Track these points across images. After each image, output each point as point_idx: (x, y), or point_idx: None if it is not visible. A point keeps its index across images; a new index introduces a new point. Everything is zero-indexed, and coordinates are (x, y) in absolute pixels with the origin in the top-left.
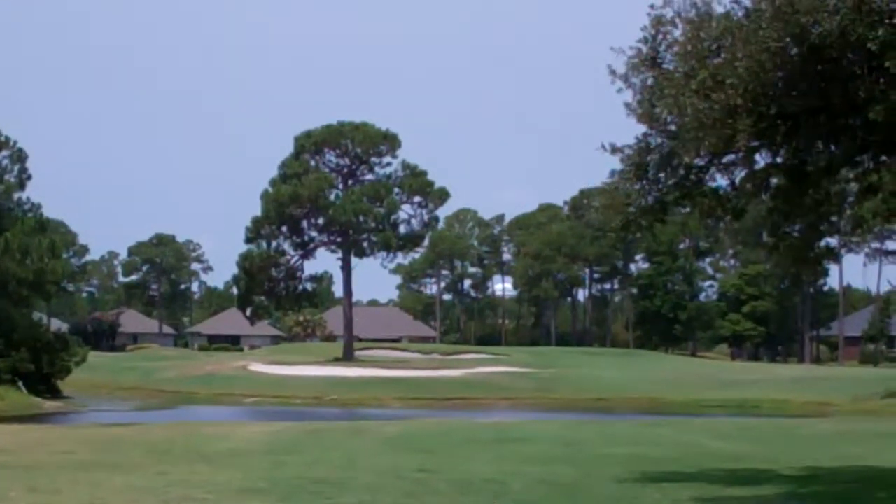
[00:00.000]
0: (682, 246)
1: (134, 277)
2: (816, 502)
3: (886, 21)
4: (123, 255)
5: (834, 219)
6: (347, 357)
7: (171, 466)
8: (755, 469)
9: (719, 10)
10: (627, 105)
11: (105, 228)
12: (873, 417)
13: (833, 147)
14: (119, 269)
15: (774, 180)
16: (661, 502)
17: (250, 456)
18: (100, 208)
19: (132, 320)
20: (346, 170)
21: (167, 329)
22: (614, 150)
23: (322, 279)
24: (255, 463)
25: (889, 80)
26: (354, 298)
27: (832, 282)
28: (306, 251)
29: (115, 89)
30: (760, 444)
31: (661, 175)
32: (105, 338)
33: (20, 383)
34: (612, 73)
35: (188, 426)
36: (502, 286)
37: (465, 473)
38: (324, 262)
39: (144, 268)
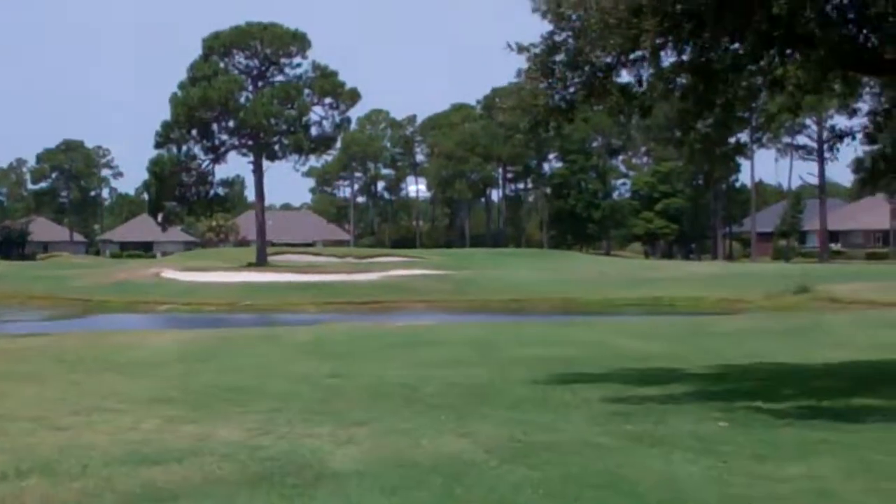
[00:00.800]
0: (594, 144)
1: (43, 185)
2: (725, 400)
3: None
4: (32, 162)
5: (745, 114)
6: (261, 262)
7: (83, 376)
8: (666, 368)
9: None
10: (533, 1)
11: (12, 135)
12: (786, 313)
13: (738, 44)
14: (28, 177)
15: (682, 80)
16: (571, 402)
17: (163, 365)
18: (6, 115)
19: (42, 228)
20: (255, 72)
21: (78, 237)
22: (521, 49)
23: (234, 183)
24: (167, 372)
25: None
26: (267, 203)
27: (744, 178)
28: (217, 155)
29: None
30: (673, 343)
31: (568, 74)
32: (15, 246)
33: None
34: None
35: (100, 335)
36: (416, 188)
37: (378, 378)
38: (235, 166)
39: (53, 175)
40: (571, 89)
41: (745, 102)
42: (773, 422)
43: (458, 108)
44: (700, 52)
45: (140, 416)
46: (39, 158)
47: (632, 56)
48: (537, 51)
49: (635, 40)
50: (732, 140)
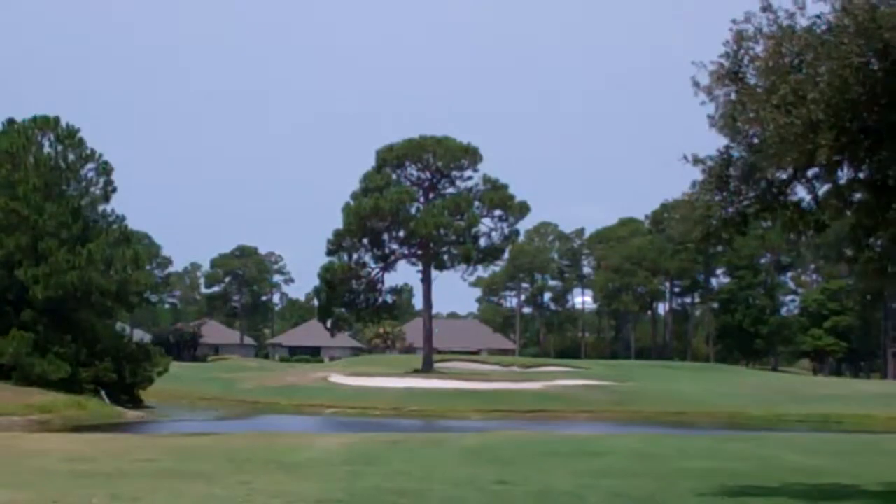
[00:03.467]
0: (763, 260)
1: (216, 289)
2: None
3: None
4: (206, 266)
5: None
6: (427, 369)
7: (251, 475)
8: (838, 484)
9: (802, 23)
10: (710, 118)
11: (188, 241)
12: None
13: None
14: (202, 281)
15: (857, 195)
16: None
17: (329, 466)
18: (183, 221)
19: (214, 331)
20: (427, 183)
21: (248, 340)
22: (696, 161)
23: (402, 291)
24: (333, 473)
25: None
26: (434, 310)
27: None
28: (387, 263)
29: (198, 103)
30: (843, 459)
31: (743, 187)
32: (187, 348)
33: (103, 392)
34: (696, 85)
35: (268, 436)
36: (582, 299)
37: (543, 486)
38: (404, 274)
39: (227, 279)
40: (745, 202)
41: None
42: None
43: (626, 223)
44: (877, 169)
45: None
46: (214, 263)
47: (807, 172)
48: (712, 163)
49: (811, 155)
50: None
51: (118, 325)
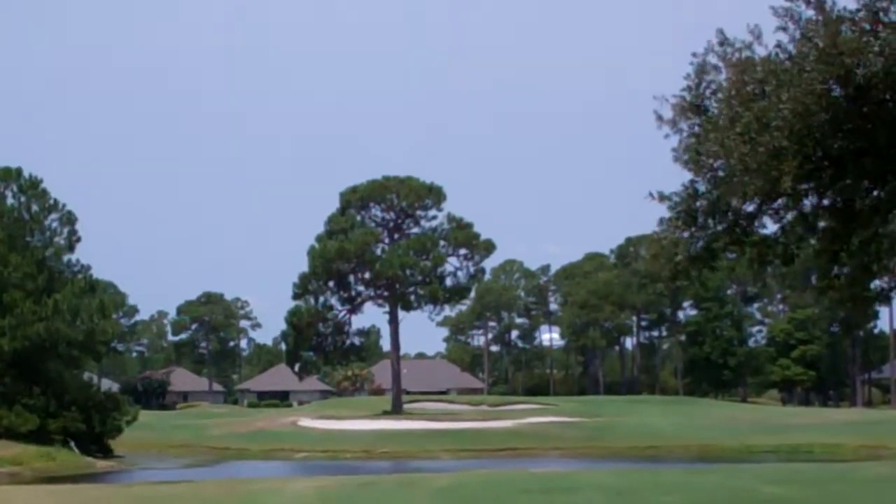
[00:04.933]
0: (729, 292)
1: (183, 336)
2: None
3: None
4: (172, 314)
5: (887, 262)
6: (396, 410)
7: None
8: None
9: (762, 52)
10: (674, 150)
11: (154, 289)
12: None
13: (880, 188)
14: (168, 328)
15: (822, 223)
16: None
17: None
18: (149, 269)
19: (182, 378)
20: (391, 224)
21: (217, 386)
22: (662, 197)
23: (370, 333)
24: None
25: None
26: (402, 351)
27: (882, 324)
28: (354, 306)
29: (162, 151)
30: (815, 489)
31: (710, 222)
32: (155, 396)
33: (72, 443)
34: (659, 118)
35: (239, 482)
36: (550, 336)
37: None
38: (371, 316)
39: (193, 326)
40: (713, 237)
41: (887, 246)
42: None
43: (592, 258)
44: (841, 196)
45: None
46: (180, 310)
47: (774, 204)
48: (678, 199)
49: (775, 183)
50: (873, 285)
51: (86, 375)
